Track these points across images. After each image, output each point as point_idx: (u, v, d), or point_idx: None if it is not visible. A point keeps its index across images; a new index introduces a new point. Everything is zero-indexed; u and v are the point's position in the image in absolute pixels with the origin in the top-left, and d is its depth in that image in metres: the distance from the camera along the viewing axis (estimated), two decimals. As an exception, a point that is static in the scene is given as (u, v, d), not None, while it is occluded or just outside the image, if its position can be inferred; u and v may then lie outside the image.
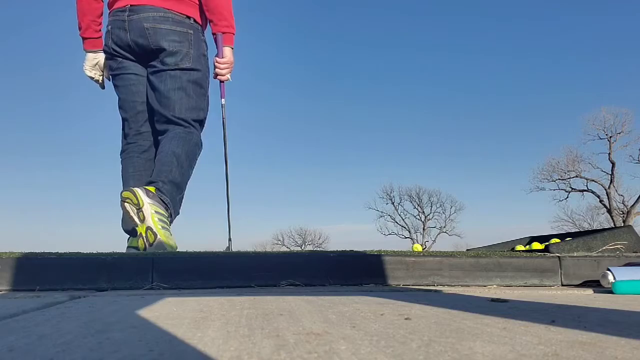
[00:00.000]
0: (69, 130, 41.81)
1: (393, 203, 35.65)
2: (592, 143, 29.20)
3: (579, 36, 37.61)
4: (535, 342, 0.77)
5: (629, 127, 25.41)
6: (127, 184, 2.55)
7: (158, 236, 2.23)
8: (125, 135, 2.70)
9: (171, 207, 2.36)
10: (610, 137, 25.67)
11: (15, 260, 1.76)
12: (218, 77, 2.70)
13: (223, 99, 2.60)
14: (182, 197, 2.51)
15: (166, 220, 2.31)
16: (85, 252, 1.94)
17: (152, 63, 2.57)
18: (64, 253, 1.89)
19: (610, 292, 1.69)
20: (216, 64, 2.67)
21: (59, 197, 42.40)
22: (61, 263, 1.80)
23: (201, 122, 2.65)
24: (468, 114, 44.02)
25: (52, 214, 41.27)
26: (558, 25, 37.90)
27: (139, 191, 2.27)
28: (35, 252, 1.88)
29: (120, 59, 2.60)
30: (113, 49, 2.58)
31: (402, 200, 35.75)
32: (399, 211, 35.74)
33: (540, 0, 37.83)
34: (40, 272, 1.77)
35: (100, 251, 1.97)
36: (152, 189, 2.33)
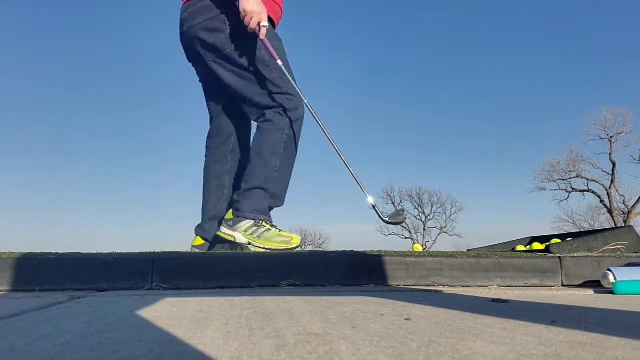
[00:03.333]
0: (70, 132, 41.84)
1: (393, 203, 35.63)
2: (592, 143, 29.10)
3: (579, 36, 37.64)
4: (536, 342, 0.76)
5: (630, 127, 25.43)
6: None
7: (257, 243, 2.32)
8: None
9: (259, 212, 2.36)
10: (611, 137, 25.67)
11: (15, 260, 1.76)
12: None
13: (278, 60, 2.21)
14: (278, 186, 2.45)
15: (259, 228, 2.34)
16: (85, 252, 1.94)
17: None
18: (64, 253, 1.89)
19: (611, 292, 1.69)
20: None
21: (59, 198, 42.41)
22: (61, 263, 1.80)
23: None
24: (468, 114, 44.05)
25: (53, 215, 41.30)
26: (558, 25, 37.94)
27: (222, 231, 2.38)
28: (35, 252, 1.88)
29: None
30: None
31: (402, 200, 35.73)
32: (399, 211, 35.64)
33: (540, 0, 37.85)
34: (40, 272, 1.77)
35: (100, 251, 1.97)
36: (229, 215, 2.39)
